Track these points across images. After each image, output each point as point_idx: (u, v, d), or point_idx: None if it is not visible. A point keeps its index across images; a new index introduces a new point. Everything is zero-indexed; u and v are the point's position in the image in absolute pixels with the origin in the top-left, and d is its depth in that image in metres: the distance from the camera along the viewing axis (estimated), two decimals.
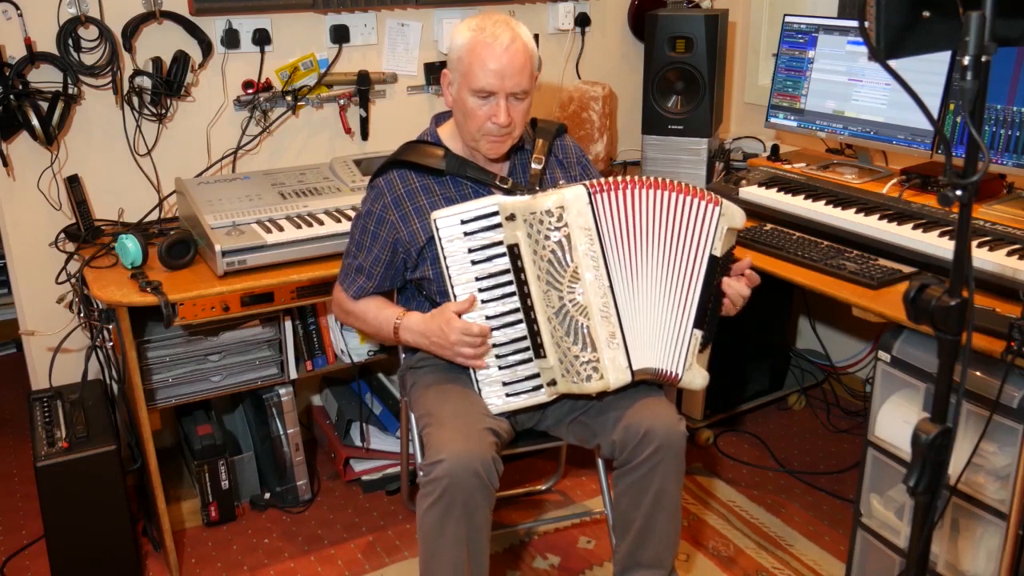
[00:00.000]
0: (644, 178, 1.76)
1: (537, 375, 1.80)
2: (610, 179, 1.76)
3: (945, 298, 1.15)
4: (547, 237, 1.70)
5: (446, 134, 1.95)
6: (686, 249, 1.77)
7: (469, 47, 1.77)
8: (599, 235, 1.72)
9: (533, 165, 1.94)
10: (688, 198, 1.76)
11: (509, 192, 1.87)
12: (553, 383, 1.78)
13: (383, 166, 1.92)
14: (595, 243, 1.72)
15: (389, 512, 2.57)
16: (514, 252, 1.74)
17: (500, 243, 1.75)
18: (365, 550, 2.41)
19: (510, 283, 1.77)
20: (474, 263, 1.77)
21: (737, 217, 1.80)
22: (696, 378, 1.82)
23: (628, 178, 1.76)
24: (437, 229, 1.76)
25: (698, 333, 1.79)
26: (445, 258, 1.77)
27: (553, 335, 1.75)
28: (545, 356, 1.77)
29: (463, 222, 1.75)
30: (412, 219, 1.88)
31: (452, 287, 1.78)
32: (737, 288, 1.82)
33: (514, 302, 1.77)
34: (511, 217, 1.73)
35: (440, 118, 2.00)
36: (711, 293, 1.79)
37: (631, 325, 1.76)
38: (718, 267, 1.79)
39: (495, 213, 1.74)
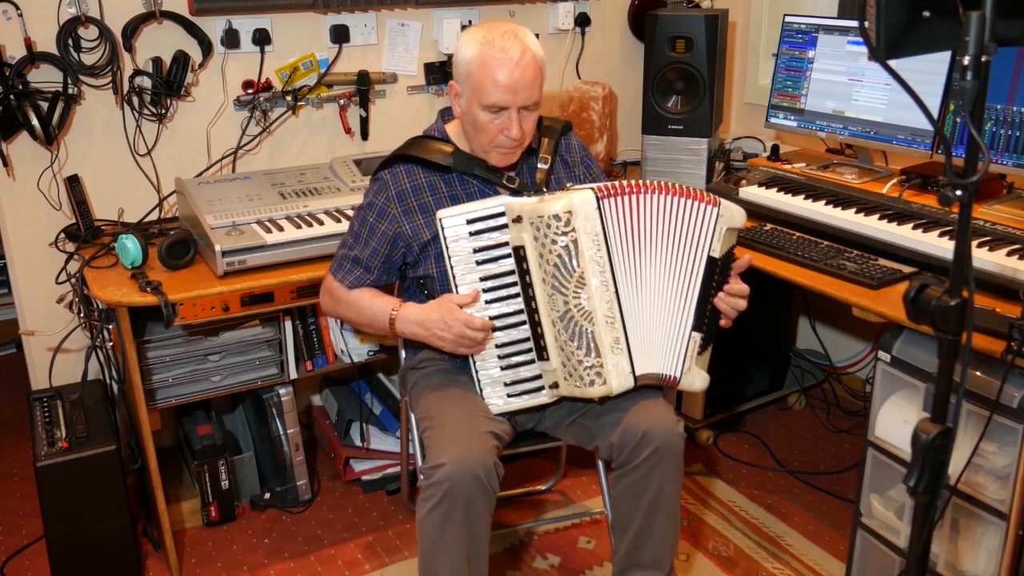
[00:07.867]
0: (649, 182, 1.75)
1: (539, 376, 1.80)
2: (617, 183, 1.74)
3: (945, 298, 1.15)
4: (554, 242, 1.69)
5: (453, 131, 1.94)
6: (685, 251, 1.76)
7: (479, 62, 1.74)
8: (606, 240, 1.71)
9: (540, 165, 1.93)
10: (688, 201, 1.75)
11: (516, 192, 1.86)
12: (555, 386, 1.78)
13: (389, 159, 1.90)
14: (602, 249, 1.71)
15: (389, 512, 2.57)
16: (520, 254, 1.74)
17: (506, 244, 1.75)
18: (365, 550, 2.41)
19: (515, 284, 1.76)
20: (479, 263, 1.76)
21: (737, 217, 1.79)
22: (696, 380, 1.82)
23: (634, 182, 1.75)
24: (442, 228, 1.75)
25: (696, 336, 1.79)
26: (450, 257, 1.76)
27: (557, 339, 1.74)
28: (548, 359, 1.77)
29: (469, 222, 1.74)
30: (416, 215, 1.87)
31: (456, 287, 1.77)
32: (731, 302, 1.80)
33: (518, 303, 1.77)
34: (518, 219, 1.72)
35: (446, 113, 1.98)
36: (709, 295, 1.79)
37: (635, 331, 1.76)
38: (717, 268, 1.78)
39: (502, 214, 1.74)
